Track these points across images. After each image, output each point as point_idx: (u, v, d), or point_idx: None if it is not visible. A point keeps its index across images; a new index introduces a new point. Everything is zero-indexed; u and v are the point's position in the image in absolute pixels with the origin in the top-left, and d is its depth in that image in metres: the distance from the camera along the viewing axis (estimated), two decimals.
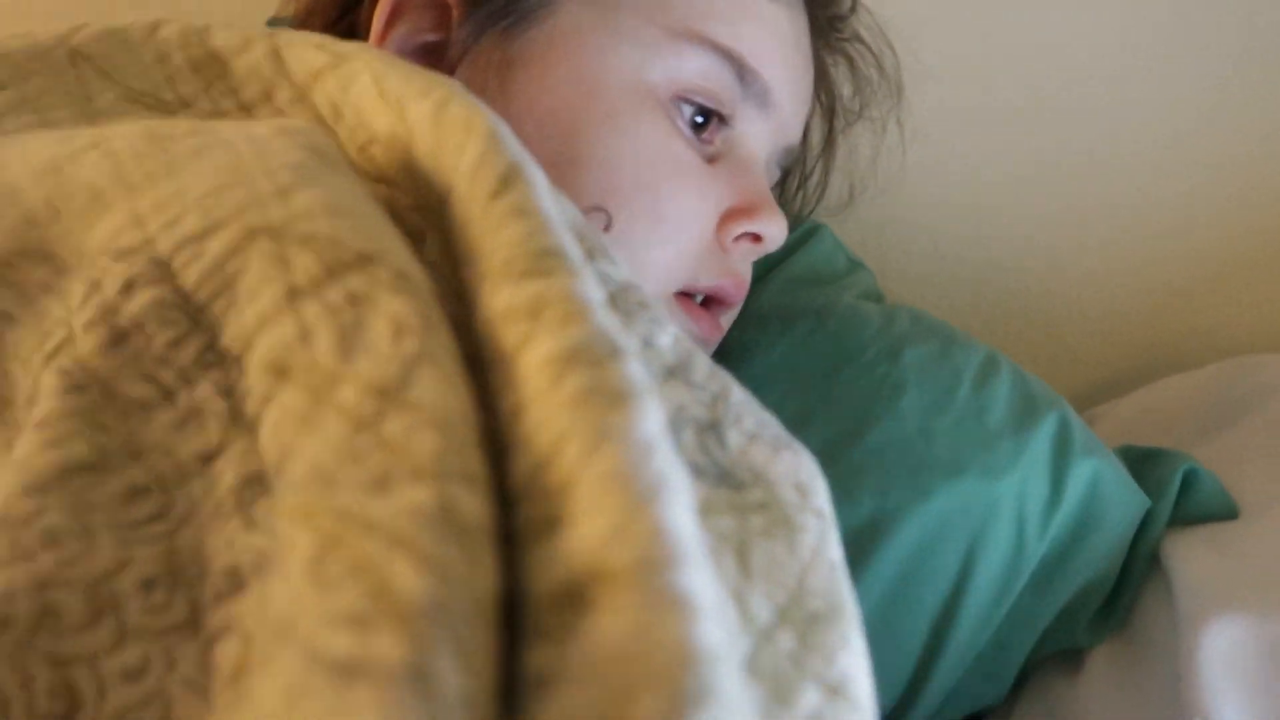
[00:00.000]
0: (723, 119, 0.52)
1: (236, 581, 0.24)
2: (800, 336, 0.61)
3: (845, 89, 0.65)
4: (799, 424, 0.57)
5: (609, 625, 0.21)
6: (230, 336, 0.27)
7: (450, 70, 0.49)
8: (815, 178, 0.66)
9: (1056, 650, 0.58)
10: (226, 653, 0.23)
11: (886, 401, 0.57)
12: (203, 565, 0.24)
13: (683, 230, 0.50)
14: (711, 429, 0.31)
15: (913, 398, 0.57)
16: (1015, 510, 0.54)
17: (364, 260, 0.26)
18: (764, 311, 0.63)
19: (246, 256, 0.27)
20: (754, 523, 0.30)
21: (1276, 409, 0.62)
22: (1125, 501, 0.57)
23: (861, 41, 0.64)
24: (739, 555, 0.29)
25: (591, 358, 0.24)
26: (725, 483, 0.30)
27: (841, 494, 0.54)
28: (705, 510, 0.29)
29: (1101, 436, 0.70)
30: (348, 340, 0.25)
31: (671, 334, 0.33)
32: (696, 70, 0.50)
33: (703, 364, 0.33)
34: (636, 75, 0.49)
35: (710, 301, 0.55)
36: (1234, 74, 0.73)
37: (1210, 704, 0.51)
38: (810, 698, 0.28)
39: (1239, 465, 0.60)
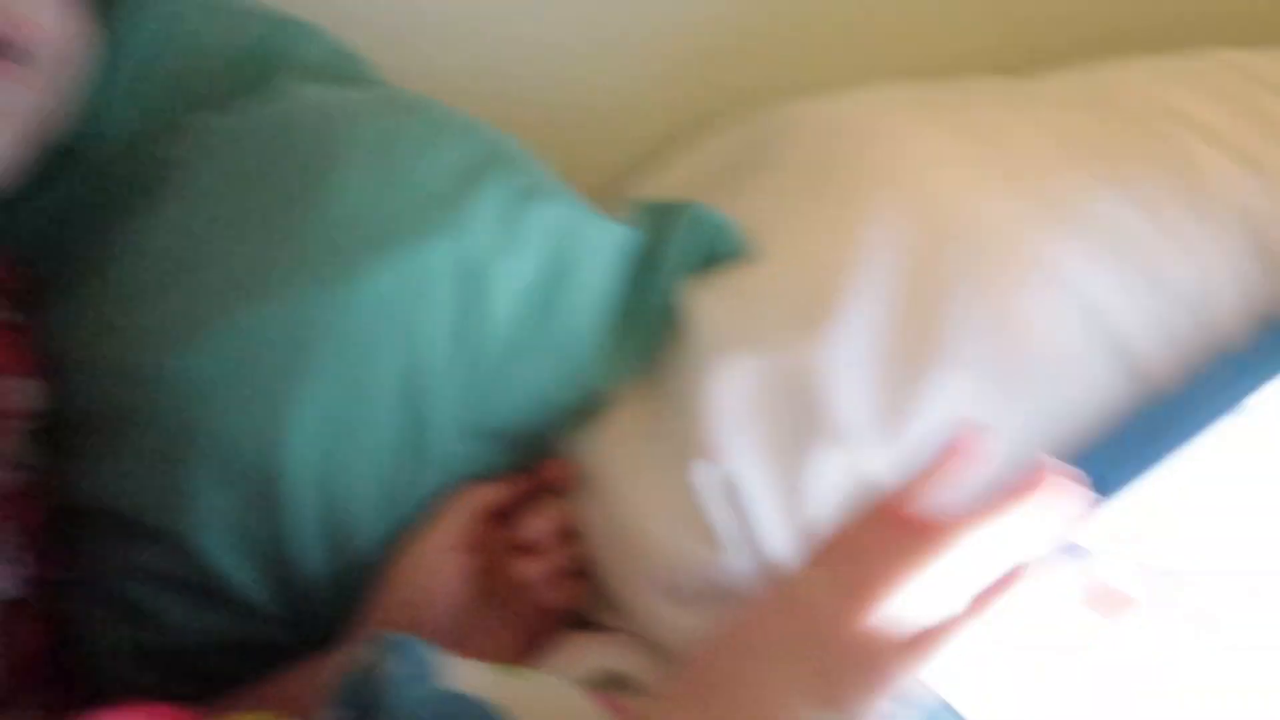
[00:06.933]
0: None
1: None
2: (228, 140, 0.54)
3: None
4: (239, 238, 0.51)
5: None
6: None
7: None
8: None
9: (576, 404, 0.56)
10: None
11: (313, 190, 0.52)
12: None
13: None
14: None
15: (340, 178, 0.52)
16: (460, 270, 0.52)
17: None
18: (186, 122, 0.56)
19: None
20: None
21: (788, 153, 0.63)
22: (602, 238, 0.56)
23: None
24: None
25: None
26: None
27: (275, 304, 0.49)
28: None
29: None
30: None
31: None
32: None
33: None
34: None
35: None
36: None
37: (718, 443, 0.52)
38: None
39: (759, 212, 0.59)
